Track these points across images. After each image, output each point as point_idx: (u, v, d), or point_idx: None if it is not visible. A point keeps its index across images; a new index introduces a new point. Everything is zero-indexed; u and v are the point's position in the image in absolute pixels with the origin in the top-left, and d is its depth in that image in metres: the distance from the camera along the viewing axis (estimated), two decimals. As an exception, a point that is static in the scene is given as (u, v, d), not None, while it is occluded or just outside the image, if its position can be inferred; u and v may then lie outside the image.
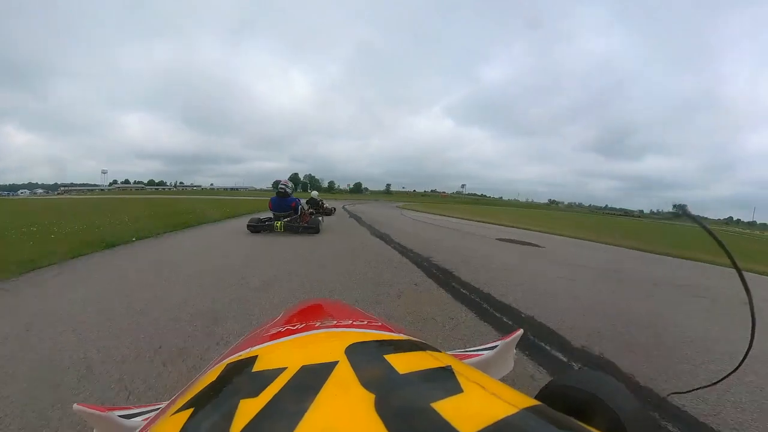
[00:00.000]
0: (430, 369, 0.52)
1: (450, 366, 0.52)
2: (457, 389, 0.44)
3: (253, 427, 0.38)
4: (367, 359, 0.54)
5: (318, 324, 0.77)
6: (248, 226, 7.96)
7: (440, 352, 0.61)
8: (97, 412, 0.87)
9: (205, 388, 0.55)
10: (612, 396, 0.70)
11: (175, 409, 0.51)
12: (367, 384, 0.44)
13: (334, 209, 17.20)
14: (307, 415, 0.39)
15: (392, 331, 0.74)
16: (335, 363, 0.51)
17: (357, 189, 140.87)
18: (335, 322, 0.78)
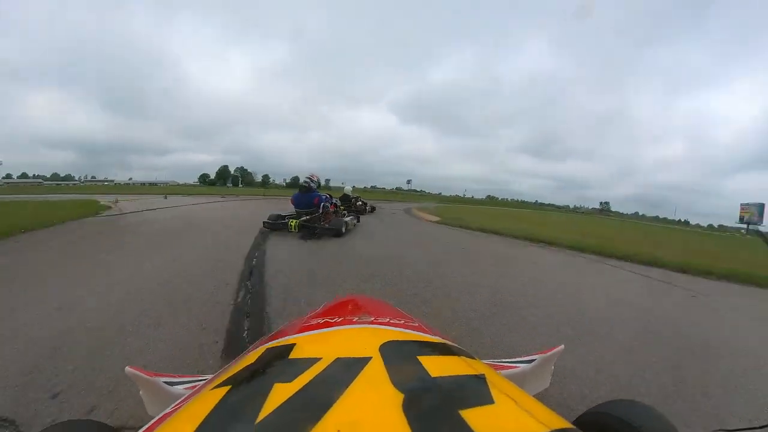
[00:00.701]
0: (462, 375, 0.52)
1: (483, 375, 0.51)
2: (487, 399, 0.44)
3: (283, 410, 0.41)
4: (400, 358, 0.54)
5: (356, 319, 0.78)
6: (265, 223, 6.95)
7: (475, 359, 0.62)
8: (146, 376, 0.94)
9: (243, 368, 0.58)
10: (651, 427, 0.67)
11: (215, 385, 0.53)
12: (397, 383, 0.45)
13: (374, 208, 13.69)
14: (335, 405, 0.40)
15: (428, 333, 0.75)
16: (368, 359, 0.52)
17: (294, 184, 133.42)
18: (372, 318, 0.79)
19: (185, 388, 0.96)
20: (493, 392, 0.45)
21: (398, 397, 0.42)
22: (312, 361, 0.52)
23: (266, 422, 0.39)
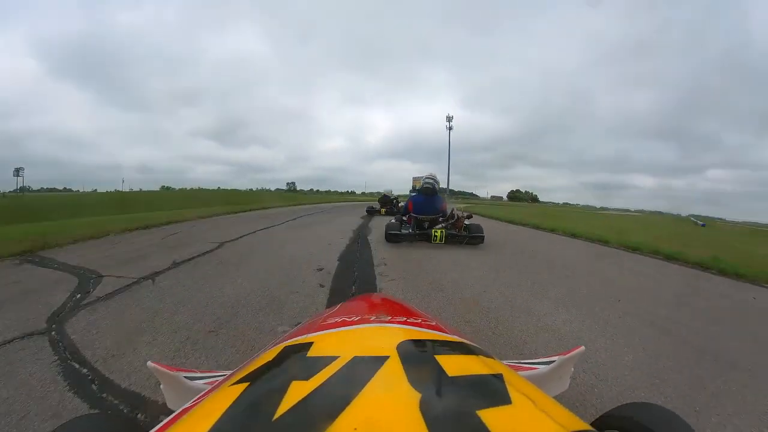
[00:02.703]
0: (480, 375, 0.52)
1: (501, 374, 0.51)
2: (505, 399, 0.44)
3: (301, 407, 0.41)
4: (417, 357, 0.55)
5: (373, 318, 0.77)
6: (387, 234, 5.77)
7: (493, 358, 0.62)
8: (167, 370, 0.95)
9: (262, 365, 0.58)
10: None
11: (234, 381, 0.53)
12: (414, 382, 0.45)
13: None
14: (352, 404, 0.40)
15: (445, 332, 0.74)
16: (386, 358, 0.52)
17: None
18: (390, 317, 0.78)
19: (205, 383, 0.96)
20: (511, 392, 0.45)
21: (415, 397, 0.41)
22: (329, 360, 0.52)
23: (283, 419, 0.39)
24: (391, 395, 0.43)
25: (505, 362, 0.72)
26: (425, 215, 6.11)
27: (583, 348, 1.00)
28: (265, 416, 0.40)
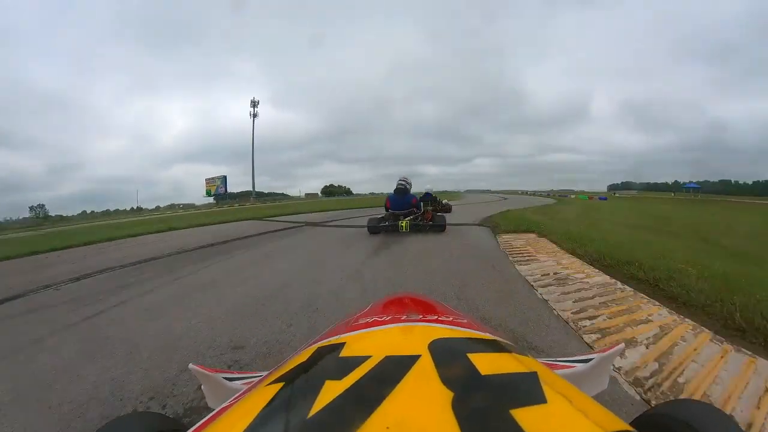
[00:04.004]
0: (514, 373, 0.51)
1: (536, 373, 0.49)
2: (540, 399, 0.42)
3: (334, 407, 0.41)
4: (449, 356, 0.54)
5: (404, 317, 0.77)
6: (368, 227, 7.32)
7: (527, 356, 0.60)
8: (207, 372, 1.01)
9: (297, 366, 0.60)
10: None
11: (270, 381, 0.55)
12: (446, 381, 0.45)
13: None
14: (384, 403, 0.41)
15: (478, 330, 0.73)
16: (417, 357, 0.52)
17: None
18: (421, 316, 0.78)
19: (242, 384, 0.99)
20: (546, 391, 0.44)
21: (447, 396, 0.42)
22: (362, 359, 0.53)
23: (317, 418, 0.40)
24: (423, 394, 0.43)
25: (540, 360, 0.71)
26: (399, 210, 7.54)
27: (623, 345, 0.97)
28: (299, 415, 0.41)
